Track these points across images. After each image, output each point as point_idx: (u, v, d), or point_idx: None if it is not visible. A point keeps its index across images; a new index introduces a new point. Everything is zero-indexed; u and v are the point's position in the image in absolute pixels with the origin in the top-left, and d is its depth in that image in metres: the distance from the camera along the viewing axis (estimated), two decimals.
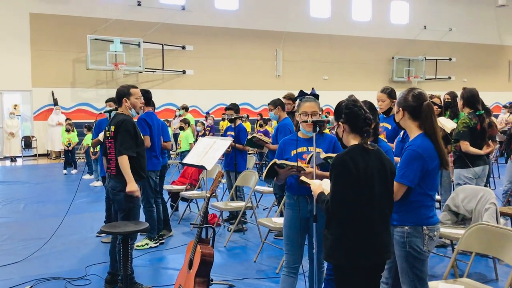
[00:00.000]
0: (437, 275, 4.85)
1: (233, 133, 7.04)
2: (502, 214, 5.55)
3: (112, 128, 4.52)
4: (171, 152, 13.87)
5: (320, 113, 3.75)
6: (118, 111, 4.69)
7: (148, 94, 6.19)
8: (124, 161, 4.43)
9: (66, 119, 15.32)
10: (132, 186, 4.46)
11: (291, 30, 19.90)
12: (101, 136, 6.41)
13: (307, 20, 20.29)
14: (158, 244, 6.11)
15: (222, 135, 7.97)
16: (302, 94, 3.85)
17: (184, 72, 18.50)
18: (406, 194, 3.03)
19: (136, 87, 4.84)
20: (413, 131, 3.12)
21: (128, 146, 4.45)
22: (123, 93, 4.67)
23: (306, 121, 3.65)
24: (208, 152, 5.47)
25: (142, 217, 6.04)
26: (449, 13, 22.46)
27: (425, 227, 3.05)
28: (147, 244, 6.02)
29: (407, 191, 3.03)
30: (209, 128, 15.11)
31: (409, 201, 3.05)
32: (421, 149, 3.01)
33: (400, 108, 3.13)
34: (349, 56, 20.95)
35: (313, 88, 3.92)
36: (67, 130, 13.78)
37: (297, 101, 3.88)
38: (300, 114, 3.76)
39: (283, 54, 20.02)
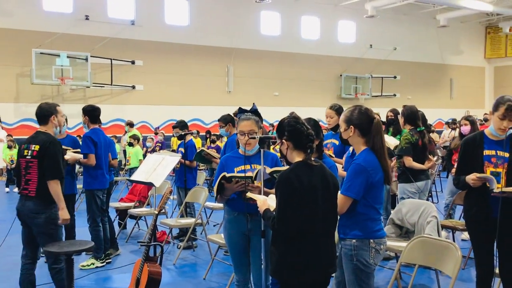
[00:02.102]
0: (381, 287, 4.96)
1: (183, 150, 7.02)
2: (443, 227, 5.77)
3: (36, 147, 4.24)
4: (121, 167, 13.62)
5: (258, 131, 3.70)
6: (40, 130, 4.44)
7: (96, 112, 6.05)
8: (57, 186, 4.19)
9: (8, 135, 14.76)
10: (66, 214, 4.26)
11: (242, 47, 20.07)
12: None
13: (257, 37, 20.53)
14: (104, 263, 5.95)
15: (175, 152, 7.92)
16: (241, 111, 3.84)
17: (133, 87, 18.26)
18: (352, 207, 3.11)
19: (59, 105, 4.65)
20: (360, 146, 3.22)
21: (60, 170, 4.23)
22: (51, 111, 4.46)
23: (254, 138, 3.66)
24: (157, 169, 5.42)
25: (87, 236, 5.89)
26: (393, 33, 23.29)
27: (372, 240, 3.13)
28: (93, 264, 5.86)
29: (352, 204, 3.11)
30: (160, 144, 14.95)
31: (356, 214, 3.12)
32: (366, 162, 3.11)
33: (352, 126, 3.20)
34: (299, 73, 21.30)
35: (254, 104, 3.93)
36: (9, 147, 13.27)
37: (237, 119, 3.86)
38: (237, 133, 3.77)
39: (234, 70, 20.14)
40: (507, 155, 3.59)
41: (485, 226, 3.65)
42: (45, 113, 4.44)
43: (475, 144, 3.77)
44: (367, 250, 3.12)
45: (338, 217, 3.21)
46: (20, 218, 4.36)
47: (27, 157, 4.26)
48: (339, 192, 3.15)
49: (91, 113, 5.99)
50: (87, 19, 17.23)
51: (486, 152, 3.70)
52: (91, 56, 16.78)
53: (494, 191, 3.51)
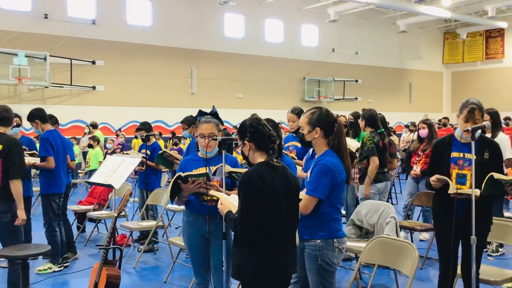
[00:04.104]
0: (341, 287, 5.02)
1: (147, 152, 6.90)
2: (402, 227, 5.89)
3: None
4: (79, 171, 13.33)
5: (218, 134, 3.69)
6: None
7: (42, 112, 5.86)
8: (20, 185, 4.26)
9: None
10: (24, 214, 4.34)
11: (205, 49, 19.97)
12: None
13: (221, 39, 20.48)
14: (62, 267, 5.80)
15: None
16: (201, 113, 3.83)
17: (94, 87, 17.90)
18: (317, 207, 3.13)
19: None
20: (322, 147, 3.24)
21: (23, 170, 4.34)
22: (12, 115, 4.69)
23: (216, 139, 3.64)
24: (117, 171, 5.33)
25: (44, 240, 5.73)
26: (355, 38, 23.66)
27: (335, 240, 3.16)
28: (50, 268, 5.70)
29: (317, 205, 3.13)
30: (121, 146, 14.70)
31: (320, 214, 3.15)
32: (331, 163, 3.14)
33: (317, 128, 3.22)
34: (263, 75, 21.37)
35: (213, 107, 3.92)
36: None
37: (197, 121, 3.83)
38: (197, 135, 3.74)
39: (198, 72, 20.02)
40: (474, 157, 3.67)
41: (449, 226, 3.72)
42: (12, 115, 4.66)
43: (443, 146, 3.86)
44: (331, 250, 3.15)
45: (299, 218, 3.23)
46: None
47: None
48: (303, 192, 3.17)
49: (39, 114, 5.78)
50: (46, 17, 16.80)
51: (454, 154, 3.79)
52: (50, 56, 16.35)
53: (449, 192, 3.60)
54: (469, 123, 3.66)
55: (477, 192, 3.42)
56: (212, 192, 3.29)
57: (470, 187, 3.62)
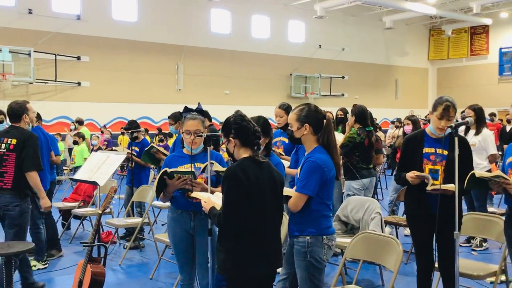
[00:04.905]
0: (327, 283, 5.04)
1: (136, 149, 6.85)
2: (387, 223, 5.93)
3: (13, 141, 4.43)
4: (64, 168, 13.21)
5: (203, 130, 3.68)
6: (14, 125, 4.61)
7: None
8: (36, 177, 4.43)
9: None
10: (47, 202, 4.64)
11: (192, 45, 19.88)
12: None
13: (208, 35, 20.41)
14: (46, 265, 5.75)
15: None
16: (187, 110, 3.81)
17: (79, 83, 17.73)
18: (306, 204, 3.14)
19: (29, 102, 4.90)
20: (311, 144, 3.24)
21: (39, 162, 4.47)
22: (22, 110, 4.67)
23: (201, 136, 3.63)
24: (101, 167, 5.30)
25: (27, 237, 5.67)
26: (341, 34, 23.72)
27: (325, 237, 3.17)
28: (35, 266, 5.64)
29: (307, 201, 3.13)
30: (106, 143, 14.59)
31: (309, 211, 3.15)
32: (320, 160, 3.14)
33: (306, 124, 3.22)
34: (250, 71, 21.34)
35: (199, 103, 3.91)
36: None
37: (182, 118, 3.81)
38: (183, 132, 3.73)
39: (184, 68, 19.93)
40: (445, 153, 3.72)
41: (424, 221, 3.77)
42: (17, 112, 4.64)
43: (415, 142, 3.88)
44: (321, 246, 3.15)
45: (289, 215, 3.24)
46: None
47: (1, 150, 4.42)
48: (292, 189, 3.18)
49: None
50: (30, 12, 16.59)
51: (426, 150, 3.82)
52: (34, 51, 16.17)
53: (427, 189, 3.62)
54: (443, 120, 3.70)
55: (453, 187, 3.44)
56: (194, 194, 3.28)
57: (443, 182, 3.66)
